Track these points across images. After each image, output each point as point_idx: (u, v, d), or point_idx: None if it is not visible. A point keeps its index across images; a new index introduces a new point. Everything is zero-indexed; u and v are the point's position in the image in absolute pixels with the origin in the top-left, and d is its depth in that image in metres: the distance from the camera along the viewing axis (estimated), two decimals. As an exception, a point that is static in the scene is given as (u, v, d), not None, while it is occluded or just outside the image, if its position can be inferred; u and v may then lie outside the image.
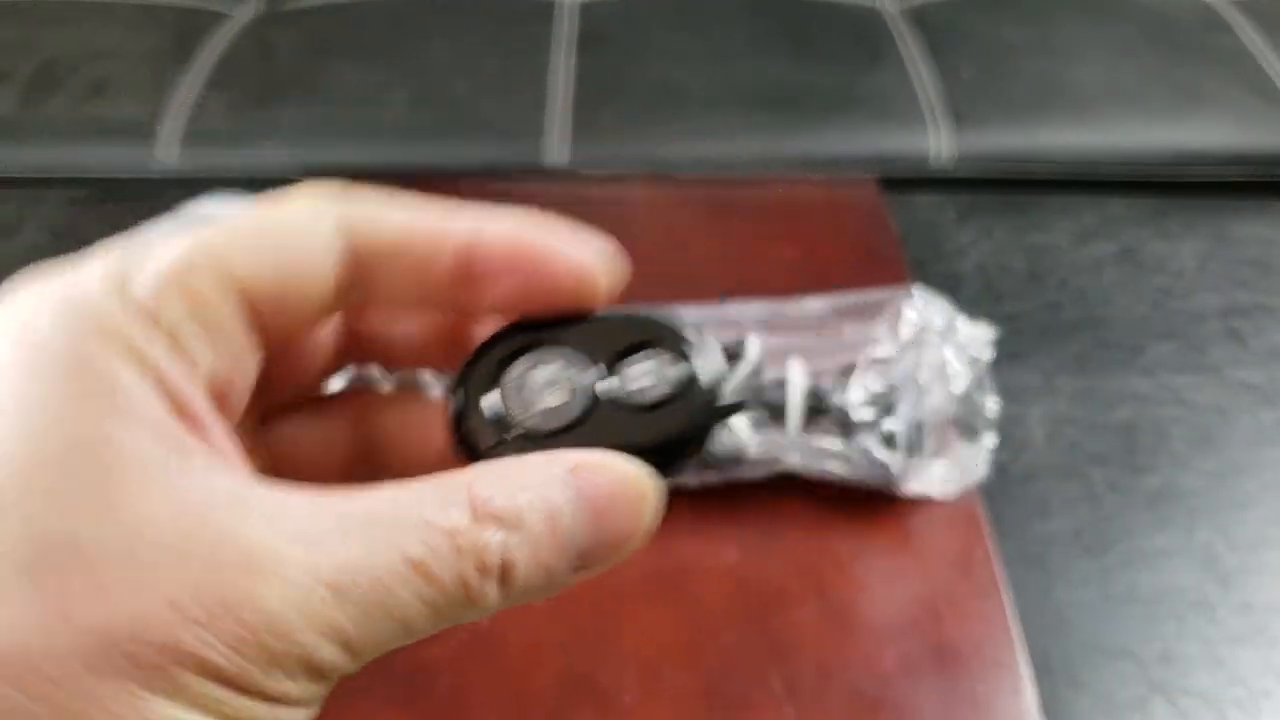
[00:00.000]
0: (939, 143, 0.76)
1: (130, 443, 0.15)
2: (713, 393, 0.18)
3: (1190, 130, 0.77)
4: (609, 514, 0.17)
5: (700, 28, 0.87)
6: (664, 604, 0.42)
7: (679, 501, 0.45)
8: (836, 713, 0.38)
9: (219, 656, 0.14)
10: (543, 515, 0.16)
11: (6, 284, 0.17)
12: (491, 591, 0.16)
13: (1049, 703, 0.41)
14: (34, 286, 0.16)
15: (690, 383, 0.18)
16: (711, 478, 0.46)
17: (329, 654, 0.15)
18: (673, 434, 0.18)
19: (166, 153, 0.76)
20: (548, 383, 0.18)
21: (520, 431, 0.18)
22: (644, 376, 0.18)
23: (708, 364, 0.18)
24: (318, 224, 0.17)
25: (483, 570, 0.16)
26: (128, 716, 0.14)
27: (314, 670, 0.15)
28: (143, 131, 0.76)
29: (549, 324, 0.19)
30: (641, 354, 0.19)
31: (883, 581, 0.43)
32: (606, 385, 0.18)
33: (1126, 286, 0.61)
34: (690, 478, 0.46)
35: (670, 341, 0.19)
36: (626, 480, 0.17)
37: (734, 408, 0.19)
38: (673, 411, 0.18)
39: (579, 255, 0.18)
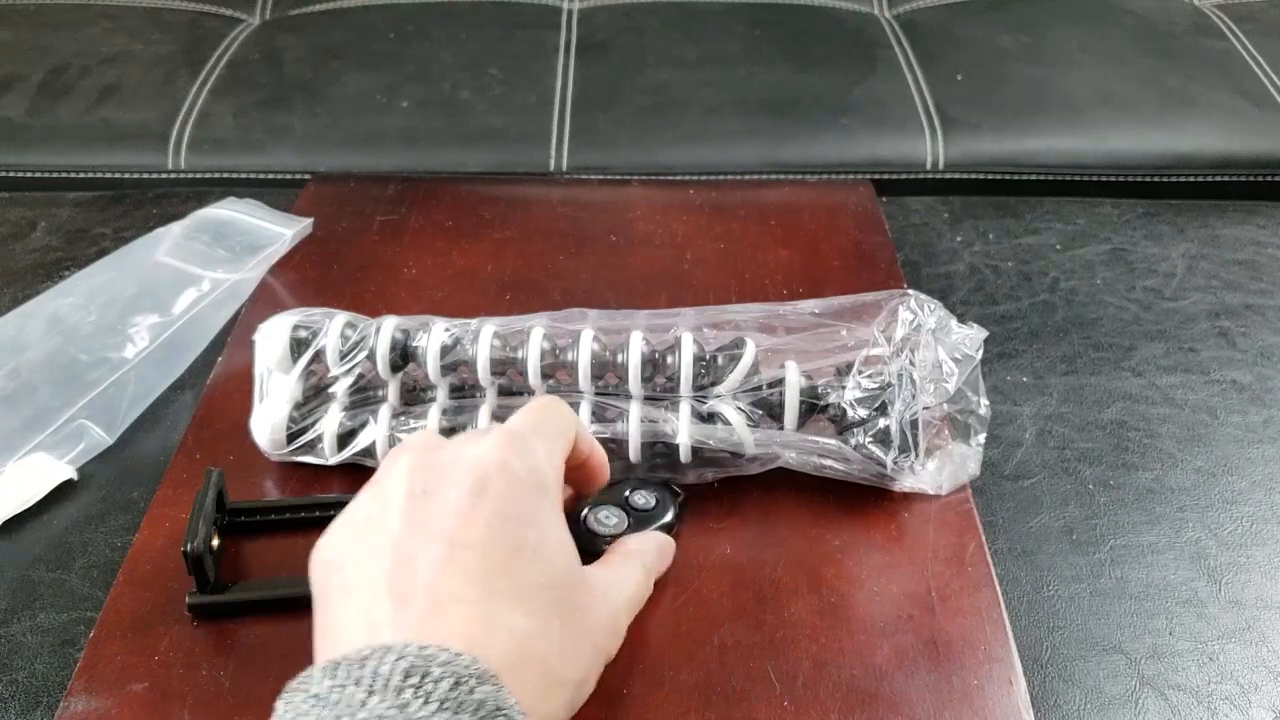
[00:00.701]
0: (933, 147, 0.77)
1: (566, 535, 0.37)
2: (677, 498, 0.45)
3: (1180, 134, 0.78)
4: (665, 551, 0.43)
5: (698, 35, 0.87)
6: (663, 599, 0.42)
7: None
8: (832, 705, 0.39)
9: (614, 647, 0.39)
10: (655, 557, 0.42)
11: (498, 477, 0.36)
12: (650, 590, 0.42)
13: (1040, 696, 0.41)
14: (511, 480, 0.36)
15: (662, 497, 0.45)
16: (710, 475, 0.46)
17: (623, 633, 0.39)
18: (668, 519, 0.44)
19: (175, 156, 0.77)
20: (609, 513, 0.44)
21: (614, 533, 0.43)
22: (643, 499, 0.45)
23: (665, 490, 0.45)
24: (574, 428, 0.41)
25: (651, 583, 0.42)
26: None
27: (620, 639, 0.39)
28: (152, 135, 0.77)
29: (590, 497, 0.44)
30: (637, 491, 0.45)
31: (877, 576, 0.43)
32: (631, 505, 0.45)
33: (1117, 287, 0.62)
34: (689, 475, 0.46)
35: (646, 484, 0.46)
36: (665, 538, 0.44)
37: (684, 505, 0.45)
38: (661, 510, 0.45)
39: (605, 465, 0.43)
